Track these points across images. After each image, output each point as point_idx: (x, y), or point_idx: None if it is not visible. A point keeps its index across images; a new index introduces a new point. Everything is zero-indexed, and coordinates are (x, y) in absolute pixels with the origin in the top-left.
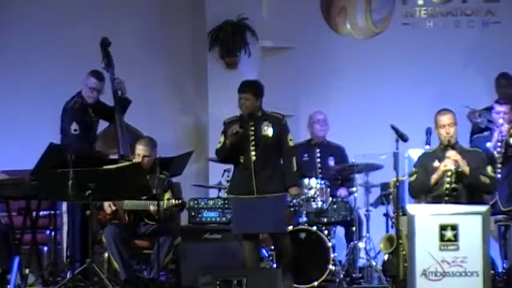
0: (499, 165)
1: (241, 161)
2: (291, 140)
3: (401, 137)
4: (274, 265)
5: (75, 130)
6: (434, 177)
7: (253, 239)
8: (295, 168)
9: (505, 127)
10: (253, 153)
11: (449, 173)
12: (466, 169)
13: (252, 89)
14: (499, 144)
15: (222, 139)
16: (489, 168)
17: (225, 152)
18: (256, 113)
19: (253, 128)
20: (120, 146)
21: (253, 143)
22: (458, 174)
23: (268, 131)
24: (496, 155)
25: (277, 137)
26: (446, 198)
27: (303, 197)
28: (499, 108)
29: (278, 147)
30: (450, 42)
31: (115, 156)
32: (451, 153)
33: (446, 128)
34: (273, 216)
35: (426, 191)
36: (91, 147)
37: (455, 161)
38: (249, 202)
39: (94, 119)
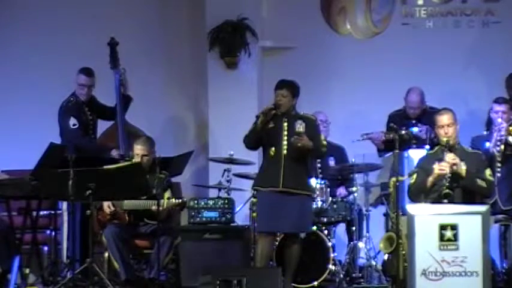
0: (499, 165)
1: (271, 153)
2: (323, 140)
3: (401, 137)
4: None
5: (74, 125)
6: (430, 180)
7: (269, 236)
8: (321, 145)
9: (504, 125)
10: (285, 147)
11: (445, 176)
12: (463, 171)
13: (289, 86)
14: (498, 143)
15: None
16: (487, 172)
17: (255, 134)
18: (290, 112)
19: (286, 124)
20: (120, 146)
21: (285, 137)
22: (454, 176)
23: (301, 129)
24: (496, 153)
25: (309, 136)
26: (445, 200)
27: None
28: (498, 107)
29: None
30: (450, 42)
31: (116, 153)
32: (450, 157)
33: (445, 128)
34: (298, 216)
35: (424, 193)
36: (92, 140)
37: (453, 165)
38: (274, 200)
39: (90, 118)
